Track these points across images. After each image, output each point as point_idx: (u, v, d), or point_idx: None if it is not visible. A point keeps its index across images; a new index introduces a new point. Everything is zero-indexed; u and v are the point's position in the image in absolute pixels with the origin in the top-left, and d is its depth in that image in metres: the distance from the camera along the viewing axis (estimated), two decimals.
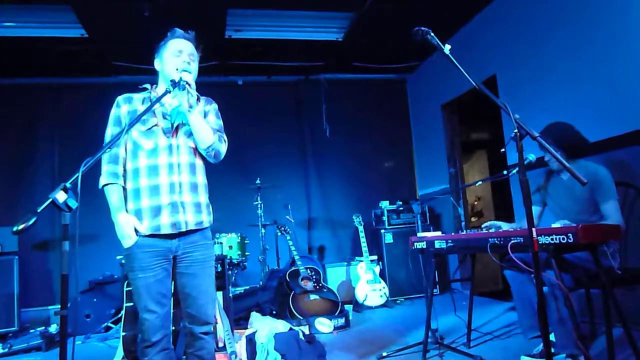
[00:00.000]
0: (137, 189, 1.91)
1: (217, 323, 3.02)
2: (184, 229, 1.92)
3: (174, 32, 2.04)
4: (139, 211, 1.90)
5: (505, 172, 2.74)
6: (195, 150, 2.01)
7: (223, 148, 2.04)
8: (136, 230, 1.88)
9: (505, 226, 2.66)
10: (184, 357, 2.09)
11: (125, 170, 1.96)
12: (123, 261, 1.94)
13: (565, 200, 2.71)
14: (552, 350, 2.39)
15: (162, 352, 1.89)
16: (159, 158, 1.91)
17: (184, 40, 2.04)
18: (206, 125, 1.96)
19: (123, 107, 1.99)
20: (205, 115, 2.09)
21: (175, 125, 1.98)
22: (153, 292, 1.87)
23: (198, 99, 2.10)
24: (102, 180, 1.93)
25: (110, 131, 1.98)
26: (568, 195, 2.69)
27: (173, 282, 1.99)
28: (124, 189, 1.95)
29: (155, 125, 1.95)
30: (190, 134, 1.98)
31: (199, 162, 2.03)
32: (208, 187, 2.10)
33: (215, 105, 2.15)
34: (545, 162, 2.76)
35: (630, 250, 2.63)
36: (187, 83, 1.88)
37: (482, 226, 2.72)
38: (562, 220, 2.36)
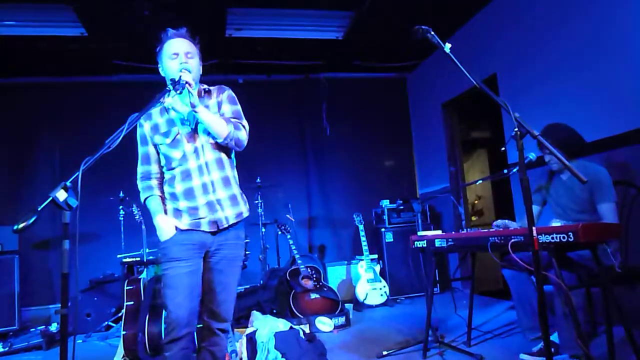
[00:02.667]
0: (174, 193, 1.99)
1: None
2: (225, 225, 1.98)
3: (167, 34, 2.02)
4: (177, 211, 1.97)
5: (505, 170, 2.74)
6: (218, 145, 2.02)
7: (243, 134, 2.02)
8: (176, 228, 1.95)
9: (513, 225, 2.64)
10: (194, 354, 2.10)
11: (163, 179, 2.06)
12: (159, 254, 1.99)
13: (565, 200, 2.71)
14: (553, 350, 2.40)
15: (183, 351, 1.89)
16: (189, 162, 1.97)
17: (177, 39, 2.01)
18: (215, 118, 1.95)
19: (145, 125, 2.03)
20: (220, 105, 2.08)
21: (192, 126, 2.01)
22: (183, 283, 1.90)
23: (209, 92, 2.10)
24: (141, 196, 2.05)
25: (140, 151, 2.06)
26: (568, 195, 2.69)
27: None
28: (162, 197, 2.04)
29: (178, 134, 1.99)
30: (208, 132, 1.99)
31: (224, 157, 2.06)
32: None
33: (228, 92, 2.12)
34: (545, 161, 2.76)
35: (630, 249, 2.63)
36: (186, 82, 1.86)
37: (493, 224, 2.71)
38: (556, 220, 2.37)
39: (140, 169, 2.06)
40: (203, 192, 1.96)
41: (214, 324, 2.00)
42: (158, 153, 2.05)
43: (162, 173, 2.07)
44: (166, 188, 2.03)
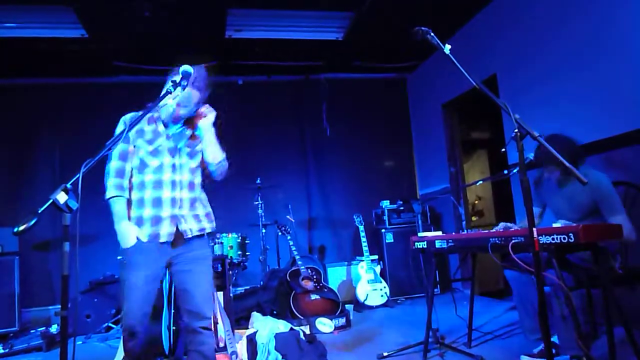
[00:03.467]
0: (142, 199, 2.05)
1: (217, 323, 3.03)
2: (189, 235, 2.07)
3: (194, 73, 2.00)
4: (140, 219, 2.04)
5: (505, 171, 2.73)
6: (195, 170, 2.18)
7: (226, 167, 2.24)
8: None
9: (514, 228, 2.62)
10: (185, 357, 2.11)
11: (130, 183, 2.10)
12: (125, 262, 2.05)
13: (565, 209, 2.69)
14: (554, 351, 2.39)
15: (140, 341, 2.03)
16: (164, 175, 2.07)
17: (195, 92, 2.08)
18: (216, 141, 2.14)
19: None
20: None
21: (178, 146, 2.12)
22: (140, 291, 2.00)
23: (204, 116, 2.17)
24: (110, 193, 2.05)
25: (119, 147, 2.07)
26: (568, 205, 2.66)
27: (170, 285, 2.11)
28: (128, 200, 2.07)
29: (161, 145, 2.08)
30: (191, 155, 2.14)
31: (197, 181, 2.20)
32: (209, 187, 2.28)
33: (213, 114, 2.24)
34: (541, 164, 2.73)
35: (630, 250, 2.63)
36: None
37: (496, 229, 2.66)
38: (562, 220, 2.36)
39: (115, 164, 2.06)
40: (171, 205, 2.06)
41: (195, 323, 2.05)
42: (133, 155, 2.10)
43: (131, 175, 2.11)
44: (134, 193, 2.07)
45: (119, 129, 2.06)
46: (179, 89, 1.87)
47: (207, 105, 2.15)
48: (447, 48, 1.78)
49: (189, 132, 2.17)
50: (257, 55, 5.23)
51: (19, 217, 1.33)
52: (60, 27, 4.30)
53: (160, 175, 2.06)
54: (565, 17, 3.54)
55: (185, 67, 1.95)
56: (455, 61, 1.77)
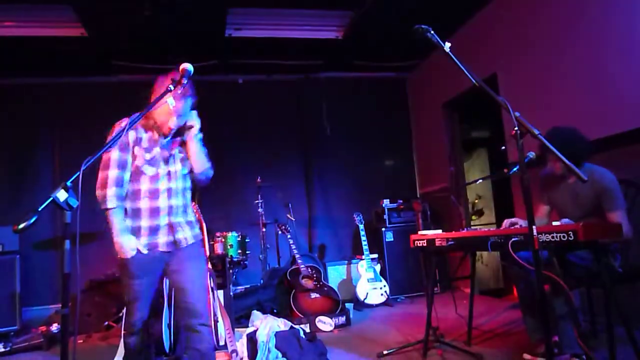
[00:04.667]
0: (138, 209, 2.07)
1: (218, 321, 3.03)
2: (184, 245, 2.12)
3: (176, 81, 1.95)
4: (137, 229, 2.06)
5: (505, 170, 2.73)
6: (186, 176, 2.22)
7: (211, 174, 2.30)
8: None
9: (522, 222, 2.60)
10: (185, 355, 2.12)
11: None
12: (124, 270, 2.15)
13: (569, 204, 2.69)
14: (556, 350, 2.39)
15: (137, 336, 2.18)
16: (160, 183, 2.09)
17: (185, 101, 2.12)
18: (201, 150, 2.19)
19: (129, 133, 2.08)
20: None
21: (171, 153, 2.16)
22: (144, 297, 2.13)
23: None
24: (111, 203, 2.00)
25: (118, 156, 2.05)
26: (572, 199, 2.67)
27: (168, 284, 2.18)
28: (125, 209, 2.09)
29: (157, 154, 2.11)
30: (183, 162, 2.18)
31: (189, 186, 2.26)
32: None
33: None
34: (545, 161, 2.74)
35: (631, 249, 2.63)
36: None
37: (503, 225, 2.64)
38: (564, 219, 2.35)
39: (114, 173, 2.02)
40: (167, 214, 2.10)
41: (194, 321, 2.07)
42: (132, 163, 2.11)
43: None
44: (128, 202, 2.07)
45: (115, 133, 2.01)
46: (178, 87, 1.86)
47: (194, 112, 2.17)
48: (447, 46, 1.77)
49: (178, 139, 2.22)
50: (257, 54, 5.22)
51: (19, 216, 1.33)
52: (60, 26, 4.30)
53: (156, 184, 2.08)
54: (566, 16, 3.53)
55: (186, 65, 1.95)
56: (455, 59, 1.77)
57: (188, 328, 2.08)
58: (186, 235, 2.14)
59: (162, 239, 2.08)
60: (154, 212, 2.06)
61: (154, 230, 2.06)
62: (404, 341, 3.18)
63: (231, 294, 3.73)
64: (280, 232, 4.68)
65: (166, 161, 2.13)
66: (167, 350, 2.99)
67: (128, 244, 2.01)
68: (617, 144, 3.09)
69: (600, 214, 2.54)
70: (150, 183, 2.07)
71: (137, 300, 2.11)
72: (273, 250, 5.08)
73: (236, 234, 4.24)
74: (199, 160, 2.18)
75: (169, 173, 2.12)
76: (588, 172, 2.54)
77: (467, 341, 3.04)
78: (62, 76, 5.27)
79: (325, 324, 3.79)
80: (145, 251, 2.04)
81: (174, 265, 2.13)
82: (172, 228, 2.10)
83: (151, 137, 2.12)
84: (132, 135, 2.07)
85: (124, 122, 2.03)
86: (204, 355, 2.06)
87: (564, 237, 2.04)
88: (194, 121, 2.15)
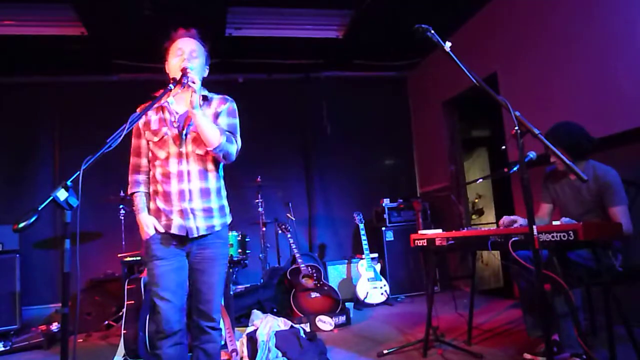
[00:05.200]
0: (156, 192, 2.03)
1: None
2: (195, 235, 1.97)
3: (177, 32, 2.08)
4: (157, 211, 2.01)
5: (505, 169, 2.72)
6: (206, 157, 2.02)
7: (233, 149, 2.02)
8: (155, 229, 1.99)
9: (522, 220, 2.60)
10: (190, 354, 2.11)
11: (148, 176, 2.08)
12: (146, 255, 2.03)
13: (570, 201, 2.69)
14: (556, 349, 2.39)
15: (175, 346, 1.95)
16: (170, 166, 1.98)
17: (186, 38, 2.06)
18: (211, 126, 1.94)
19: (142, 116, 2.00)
20: (217, 116, 2.08)
21: (184, 133, 2.00)
22: (168, 280, 1.94)
23: (209, 100, 2.09)
24: (129, 189, 2.07)
25: (133, 143, 2.08)
26: (574, 196, 2.67)
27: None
28: (147, 193, 2.07)
29: (166, 134, 2.00)
30: (196, 141, 1.99)
31: (210, 168, 2.05)
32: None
33: (229, 105, 2.13)
34: (550, 162, 2.73)
35: (631, 248, 2.63)
36: (190, 79, 1.87)
37: (500, 222, 2.62)
38: (564, 218, 2.35)
39: (132, 160, 2.08)
40: (179, 199, 1.96)
41: (203, 323, 2.01)
42: (149, 147, 2.06)
43: (150, 168, 2.08)
44: (152, 185, 2.06)
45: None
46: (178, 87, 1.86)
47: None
48: (448, 45, 1.77)
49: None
50: (257, 54, 5.22)
51: (19, 215, 1.33)
52: (60, 25, 4.30)
53: (167, 167, 1.98)
54: (566, 15, 3.53)
55: (187, 64, 1.95)
56: (455, 58, 1.76)
57: (197, 327, 2.02)
58: (198, 224, 1.97)
59: (176, 222, 1.96)
60: (166, 196, 1.98)
61: (168, 213, 1.97)
62: (404, 340, 3.18)
63: (231, 293, 3.73)
64: (280, 232, 4.68)
65: (176, 142, 1.99)
66: None
67: (145, 222, 1.99)
68: (618, 143, 3.09)
69: (602, 210, 2.55)
70: (163, 166, 2.00)
71: (164, 289, 1.92)
72: (273, 249, 5.08)
73: (236, 233, 4.23)
74: (204, 136, 1.92)
75: (179, 154, 1.98)
76: (591, 169, 2.54)
77: (467, 340, 3.04)
78: (62, 75, 5.27)
79: (326, 323, 3.79)
80: (161, 230, 1.97)
81: (194, 262, 2.01)
82: (182, 214, 1.96)
83: (161, 117, 2.03)
84: (142, 119, 2.03)
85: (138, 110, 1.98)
86: (210, 355, 2.02)
87: (564, 236, 2.04)
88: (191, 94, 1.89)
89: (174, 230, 1.96)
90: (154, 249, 1.97)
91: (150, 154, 2.05)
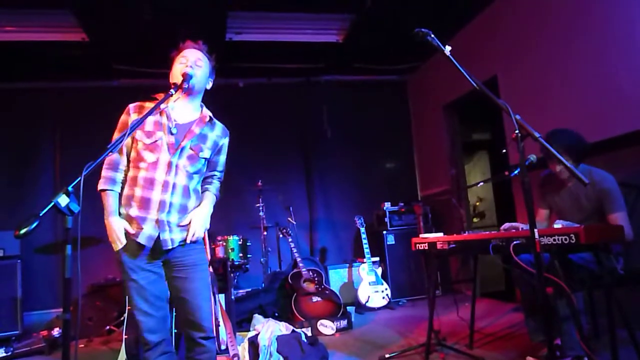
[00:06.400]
0: (131, 196, 1.92)
1: (219, 325, 3.02)
2: (170, 247, 1.91)
3: (183, 44, 2.10)
4: (128, 217, 1.91)
5: (506, 172, 2.73)
6: (193, 175, 2.01)
7: (219, 191, 2.18)
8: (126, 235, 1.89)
9: (522, 227, 2.60)
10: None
11: (125, 177, 1.98)
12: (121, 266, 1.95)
13: (569, 207, 2.68)
14: (559, 353, 2.39)
15: (163, 356, 1.93)
16: (157, 173, 1.91)
17: (191, 49, 2.08)
18: (208, 213, 2.07)
19: (132, 115, 1.96)
20: (218, 147, 2.11)
21: (183, 146, 1.96)
22: (145, 294, 1.90)
23: (213, 124, 2.09)
24: (100, 185, 1.94)
25: (116, 137, 1.96)
26: (573, 203, 2.66)
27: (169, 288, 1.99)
28: (120, 194, 1.96)
29: (160, 139, 1.94)
30: (192, 159, 1.98)
31: (194, 187, 2.04)
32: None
33: (227, 140, 2.17)
34: (555, 171, 2.72)
35: (632, 251, 2.62)
36: (188, 84, 1.89)
37: (501, 229, 2.63)
38: (561, 221, 2.35)
39: (110, 155, 1.92)
40: (159, 208, 1.89)
41: (195, 334, 1.94)
42: (132, 147, 1.97)
43: (128, 169, 1.98)
44: (126, 188, 1.94)
45: (124, 117, 1.97)
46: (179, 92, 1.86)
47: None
48: (448, 49, 1.78)
49: (197, 129, 2.01)
50: (258, 58, 5.23)
51: (21, 221, 1.33)
52: (61, 31, 4.31)
53: (153, 173, 1.90)
54: (566, 19, 3.54)
55: (188, 70, 1.96)
56: (455, 62, 1.77)
57: (190, 339, 1.96)
58: (173, 237, 1.91)
59: (147, 231, 1.87)
60: (146, 203, 1.88)
61: (142, 222, 1.88)
62: (405, 344, 3.18)
63: (232, 297, 3.73)
64: (281, 236, 4.68)
65: (170, 150, 1.93)
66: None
67: (116, 226, 1.87)
68: (618, 145, 3.09)
69: (601, 216, 2.54)
70: (148, 171, 1.90)
71: (142, 300, 1.88)
72: (274, 253, 5.07)
73: (237, 238, 4.24)
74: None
75: (169, 164, 1.91)
76: (586, 174, 2.54)
77: (469, 344, 3.03)
78: (63, 81, 5.27)
79: (327, 327, 3.78)
80: (132, 231, 1.87)
81: (173, 272, 1.95)
82: (158, 224, 1.88)
83: (157, 121, 1.95)
84: (135, 117, 1.94)
85: (131, 107, 1.99)
86: None
87: (565, 239, 2.03)
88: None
89: (141, 239, 1.87)
90: (127, 262, 1.89)
91: (133, 154, 1.95)
